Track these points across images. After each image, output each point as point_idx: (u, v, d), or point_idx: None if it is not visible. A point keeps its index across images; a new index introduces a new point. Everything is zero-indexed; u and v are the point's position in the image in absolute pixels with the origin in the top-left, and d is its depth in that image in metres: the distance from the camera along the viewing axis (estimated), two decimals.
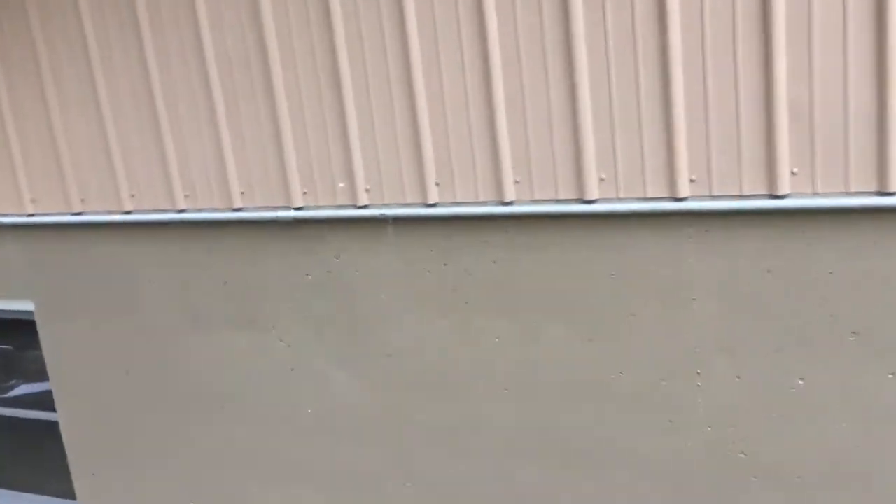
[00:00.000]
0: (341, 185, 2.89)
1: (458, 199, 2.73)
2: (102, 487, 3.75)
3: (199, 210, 3.16)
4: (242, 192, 3.07)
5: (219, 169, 3.07)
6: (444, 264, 2.80)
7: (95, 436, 3.69)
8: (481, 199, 2.69)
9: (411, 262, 2.85)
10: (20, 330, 4.08)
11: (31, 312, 3.70)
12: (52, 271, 3.55)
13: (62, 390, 3.72)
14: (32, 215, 3.49)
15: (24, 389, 4.33)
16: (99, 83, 3.19)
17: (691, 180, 2.40)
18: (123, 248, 3.37)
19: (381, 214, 2.84)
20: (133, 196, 3.27)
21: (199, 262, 3.25)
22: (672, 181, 2.41)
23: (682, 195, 2.41)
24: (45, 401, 3.98)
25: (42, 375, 4.25)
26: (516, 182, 2.62)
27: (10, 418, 4.05)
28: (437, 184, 2.74)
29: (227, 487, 3.44)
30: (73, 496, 3.91)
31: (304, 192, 2.96)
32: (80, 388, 3.66)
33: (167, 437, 3.52)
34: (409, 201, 2.80)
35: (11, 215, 3.52)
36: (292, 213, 2.98)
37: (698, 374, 2.54)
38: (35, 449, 4.17)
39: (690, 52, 2.31)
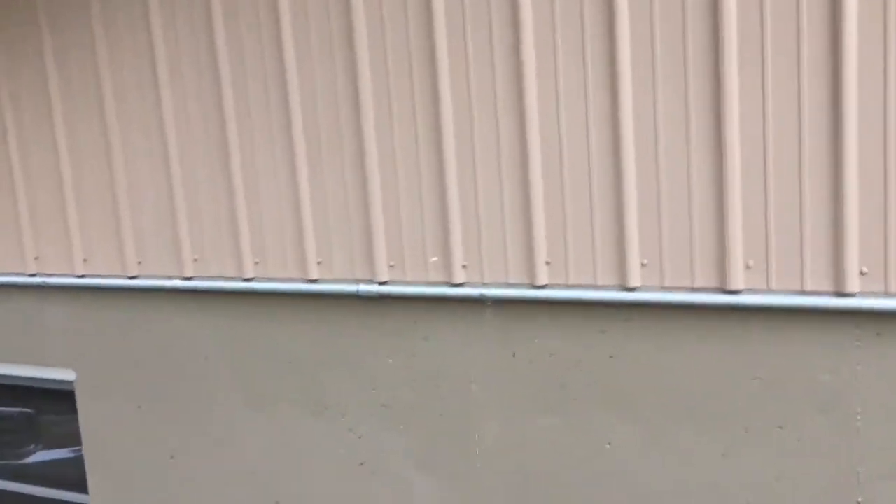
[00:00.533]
0: (434, 259, 2.57)
1: (572, 282, 2.39)
2: None
3: (269, 279, 2.84)
4: (319, 262, 2.75)
5: (295, 235, 2.77)
6: (551, 355, 2.45)
7: None
8: (600, 282, 2.35)
9: (512, 350, 2.50)
10: (47, 393, 3.78)
11: (70, 382, 3.38)
12: (98, 339, 3.24)
13: (98, 469, 3.36)
14: (83, 276, 3.20)
15: (41, 456, 4.01)
16: (170, 138, 2.93)
17: (862, 273, 2.05)
18: (179, 318, 3.06)
19: (480, 295, 2.50)
20: (196, 261, 2.97)
21: (262, 336, 2.92)
22: (838, 273, 2.06)
23: (849, 290, 2.05)
24: (64, 470, 3.72)
25: (61, 442, 3.94)
26: (643, 265, 2.28)
27: (39, 498, 3.68)
28: (547, 263, 2.41)
29: None
30: None
31: (391, 266, 2.64)
32: (118, 469, 3.31)
33: None
34: (512, 281, 2.47)
35: (60, 276, 3.23)
36: (376, 288, 2.65)
37: (859, 502, 2.14)
38: None
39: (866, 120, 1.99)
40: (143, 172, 3.02)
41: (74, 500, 3.58)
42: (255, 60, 2.74)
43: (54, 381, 3.46)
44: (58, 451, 4.06)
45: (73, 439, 3.78)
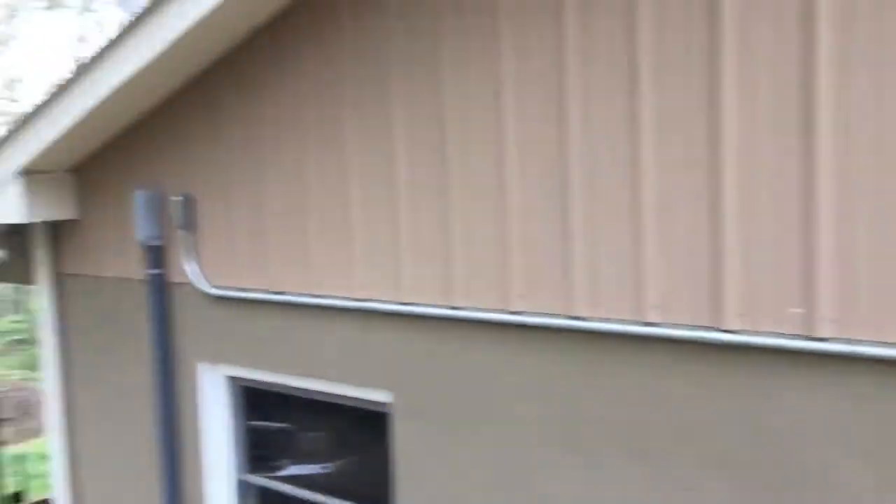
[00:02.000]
0: (797, 310, 2.39)
1: None
2: None
3: (602, 319, 2.79)
4: (657, 306, 2.66)
5: (633, 272, 2.70)
6: None
7: None
8: None
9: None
10: (306, 409, 3.97)
11: (385, 405, 3.52)
12: (417, 365, 3.35)
13: (407, 489, 3.46)
14: (407, 304, 3.32)
15: (294, 471, 4.27)
16: (507, 172, 2.98)
17: None
18: (502, 352, 3.08)
19: (852, 352, 2.29)
20: (522, 296, 2.98)
21: (587, 376, 2.87)
22: None
23: None
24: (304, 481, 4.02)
25: (312, 458, 4.18)
26: None
27: None
28: None
29: None
30: None
31: (741, 314, 2.49)
32: (426, 492, 3.38)
33: None
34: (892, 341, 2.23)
35: (387, 302, 3.38)
36: (724, 337, 2.51)
37: None
38: None
39: None
40: (476, 205, 3.09)
41: None
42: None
43: (372, 402, 3.62)
44: (308, 466, 4.27)
45: (325, 455, 4.07)
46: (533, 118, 2.89)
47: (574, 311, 2.85)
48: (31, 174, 4.38)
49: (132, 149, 4.39)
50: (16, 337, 26.59)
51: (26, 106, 4.39)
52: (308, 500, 4.03)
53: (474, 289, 3.12)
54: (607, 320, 2.77)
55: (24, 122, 4.16)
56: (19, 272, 5.33)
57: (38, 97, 4.07)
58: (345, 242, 3.52)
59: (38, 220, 4.60)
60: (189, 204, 4.11)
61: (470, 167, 3.09)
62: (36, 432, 18.54)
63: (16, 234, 5.03)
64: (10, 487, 6.35)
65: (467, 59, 3.03)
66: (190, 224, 4.12)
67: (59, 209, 4.66)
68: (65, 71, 4.05)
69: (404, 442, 3.44)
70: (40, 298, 5.11)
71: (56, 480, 5.20)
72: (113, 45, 3.67)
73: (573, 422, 2.92)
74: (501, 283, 3.03)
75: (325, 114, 3.53)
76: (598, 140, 2.74)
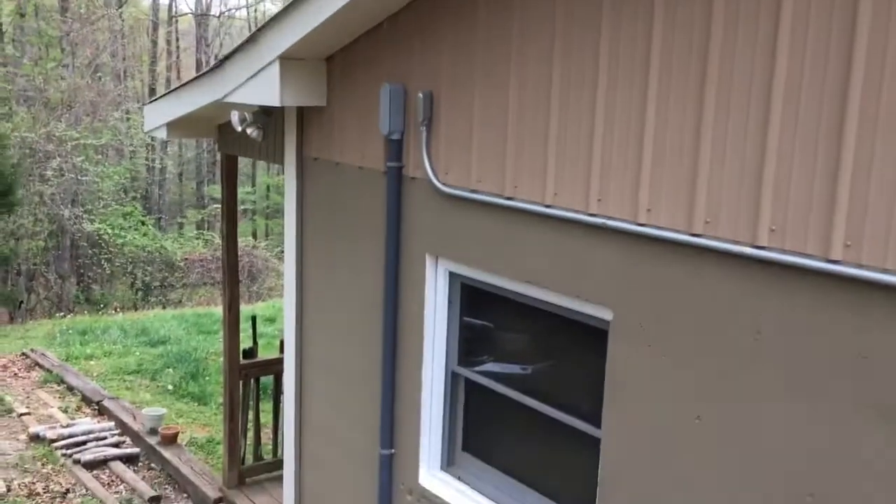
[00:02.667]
0: None
1: None
2: None
3: (863, 266, 2.59)
4: None
5: None
6: None
7: (637, 473, 3.39)
8: None
9: None
10: (522, 314, 4.02)
11: (606, 321, 3.52)
12: (644, 287, 3.30)
13: (615, 409, 3.48)
14: (644, 225, 3.25)
15: (491, 367, 4.39)
16: (774, 104, 2.78)
17: None
18: (741, 286, 2.96)
19: None
20: (773, 231, 2.82)
21: (838, 325, 2.70)
22: None
23: None
24: (510, 380, 4.18)
25: (521, 361, 4.29)
26: None
27: (551, 419, 3.96)
28: None
29: None
30: None
31: None
32: (636, 415, 3.39)
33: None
34: None
35: (620, 220, 3.33)
36: None
37: None
38: (564, 454, 4.07)
39: None
40: (731, 131, 2.93)
41: (583, 428, 3.77)
42: None
43: (590, 316, 3.63)
44: (505, 365, 4.36)
45: (525, 358, 4.20)
46: None
47: (832, 254, 2.66)
48: (287, 60, 4.64)
49: (381, 43, 4.53)
50: (244, 207, 29.03)
51: None
52: (515, 399, 4.17)
53: (718, 218, 2.99)
54: (871, 268, 2.57)
55: (288, 10, 4.38)
56: (269, 151, 5.75)
57: None
58: (583, 156, 3.47)
59: (290, 104, 4.91)
60: (431, 101, 4.21)
61: (731, 86, 2.92)
62: (260, 295, 20.40)
63: (268, 116, 5.41)
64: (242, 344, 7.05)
65: None
66: (430, 121, 4.23)
67: (309, 95, 4.93)
68: None
69: (620, 361, 3.44)
70: (286, 178, 5.51)
71: (287, 345, 5.71)
72: None
73: (802, 365, 2.78)
74: (750, 214, 2.88)
75: (575, 23, 3.44)
76: None
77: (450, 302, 4.47)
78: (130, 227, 21.39)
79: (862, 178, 2.58)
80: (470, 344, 4.52)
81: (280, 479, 6.33)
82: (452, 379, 4.54)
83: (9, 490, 7.38)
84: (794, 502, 2.85)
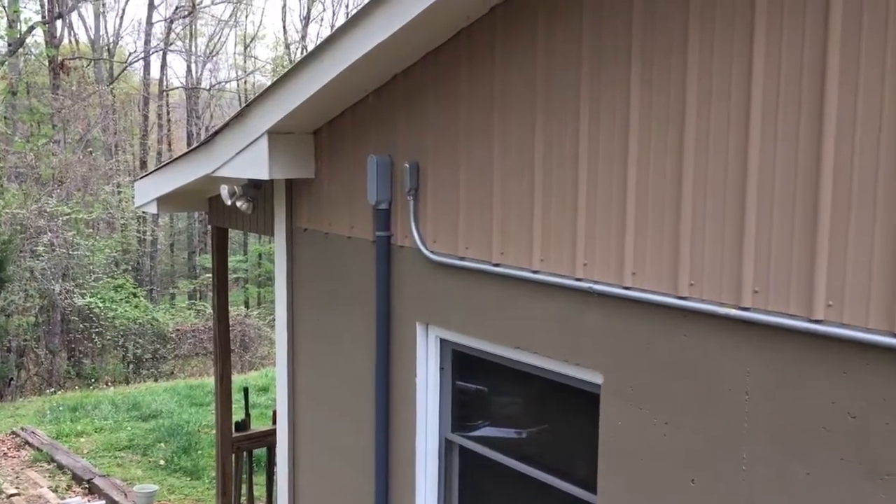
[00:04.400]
0: None
1: None
2: None
3: (843, 325, 2.63)
4: None
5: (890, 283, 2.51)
6: None
7: None
8: None
9: None
10: (513, 378, 4.04)
11: (596, 385, 3.53)
12: (633, 350, 3.32)
13: (611, 470, 3.46)
14: (629, 288, 3.29)
15: (487, 431, 4.37)
16: (750, 160, 2.85)
17: None
18: (726, 347, 2.98)
19: None
20: (756, 293, 2.86)
21: (820, 386, 2.72)
22: None
23: None
24: (503, 446, 4.15)
25: (515, 426, 4.28)
26: None
27: (547, 486, 3.93)
28: None
29: None
30: None
31: None
32: (631, 475, 3.37)
33: None
34: None
35: (608, 284, 3.37)
36: None
37: None
38: None
39: None
40: (710, 196, 2.99)
41: (579, 494, 3.74)
42: None
43: (581, 380, 3.64)
44: (500, 429, 4.34)
45: (520, 422, 4.18)
46: None
47: (814, 314, 2.70)
48: (275, 134, 4.73)
49: (367, 115, 4.63)
50: (236, 276, 29.04)
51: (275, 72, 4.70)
52: (510, 466, 4.14)
53: (702, 280, 3.03)
54: (852, 327, 2.60)
55: (275, 87, 4.49)
56: (259, 223, 5.81)
57: (289, 64, 4.37)
58: (568, 221, 3.53)
59: (278, 177, 4.98)
60: (418, 171, 4.29)
61: (708, 151, 2.99)
62: (252, 364, 20.23)
63: (257, 189, 5.48)
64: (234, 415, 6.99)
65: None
66: (417, 190, 4.30)
67: (297, 168, 5.01)
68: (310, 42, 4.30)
69: (613, 425, 3.44)
70: (276, 249, 5.55)
71: (280, 417, 5.67)
72: (354, 23, 3.87)
73: (795, 427, 2.78)
74: (733, 276, 2.93)
75: (555, 92, 3.53)
76: None
77: (441, 369, 4.47)
78: (122, 299, 21.32)
79: (840, 239, 2.63)
80: (463, 408, 4.50)
81: None
82: (446, 447, 4.51)
83: None
84: None
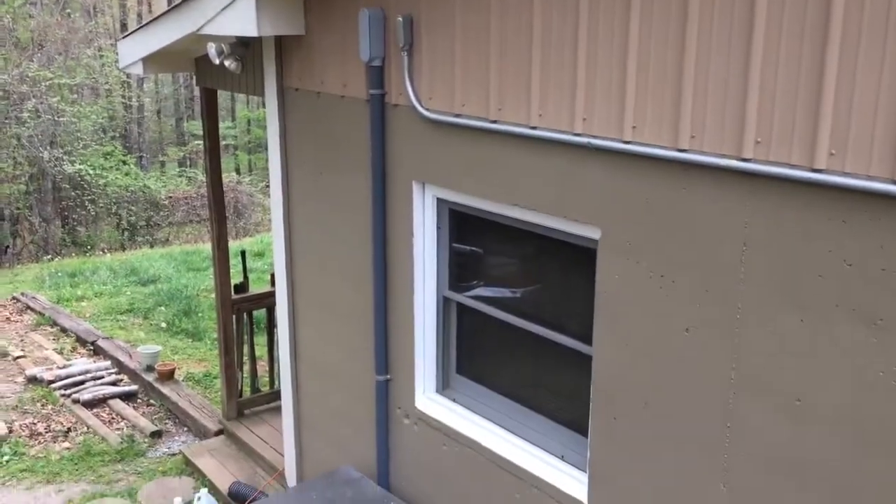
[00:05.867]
0: None
1: None
2: (620, 436, 3.56)
3: (845, 174, 2.61)
4: None
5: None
6: None
7: (629, 386, 3.47)
8: None
9: None
10: (509, 236, 4.06)
11: (594, 240, 3.55)
12: (631, 204, 3.32)
13: (606, 324, 3.54)
14: (629, 143, 3.25)
15: (482, 292, 4.45)
16: (757, 10, 2.75)
17: None
18: (726, 199, 2.98)
19: None
20: (758, 143, 2.83)
21: (825, 237, 2.73)
22: None
23: None
24: (500, 304, 4.17)
25: (500, 282, 4.36)
26: None
27: (543, 340, 4.03)
28: None
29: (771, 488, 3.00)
30: (585, 431, 3.80)
31: None
32: (625, 329, 3.45)
33: (707, 419, 3.16)
34: None
35: (607, 139, 3.33)
36: None
37: None
38: (557, 372, 4.15)
39: None
40: (715, 44, 2.91)
41: (575, 346, 3.84)
42: None
43: (579, 236, 3.66)
44: (495, 289, 4.42)
45: (516, 282, 4.23)
46: None
47: (816, 163, 2.68)
48: None
49: None
50: (225, 143, 28.69)
51: None
52: (507, 321, 4.23)
53: (703, 132, 2.99)
54: (854, 175, 2.59)
55: None
56: (248, 83, 5.67)
57: None
58: (567, 75, 3.44)
59: (267, 34, 4.81)
60: (412, 25, 4.14)
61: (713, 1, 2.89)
62: (247, 231, 20.34)
63: (246, 47, 5.31)
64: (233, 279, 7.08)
65: None
66: (412, 46, 4.17)
67: (286, 24, 4.84)
68: None
69: (609, 279, 3.48)
70: (267, 110, 5.44)
71: (278, 278, 5.74)
72: None
73: (791, 276, 2.82)
74: (735, 127, 2.89)
75: None
76: None
77: (438, 228, 4.49)
78: (112, 167, 21.16)
79: (846, 86, 2.58)
80: (460, 270, 4.55)
81: (278, 409, 6.44)
82: (444, 304, 4.59)
83: (10, 431, 7.49)
84: (784, 407, 2.93)
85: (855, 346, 2.70)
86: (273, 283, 6.15)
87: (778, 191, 2.82)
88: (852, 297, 2.68)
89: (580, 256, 3.70)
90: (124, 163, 22.03)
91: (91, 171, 19.84)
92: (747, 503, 3.12)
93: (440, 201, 4.43)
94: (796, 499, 2.95)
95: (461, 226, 4.47)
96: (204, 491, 5.69)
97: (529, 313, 4.15)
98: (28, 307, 11.10)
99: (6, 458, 7.05)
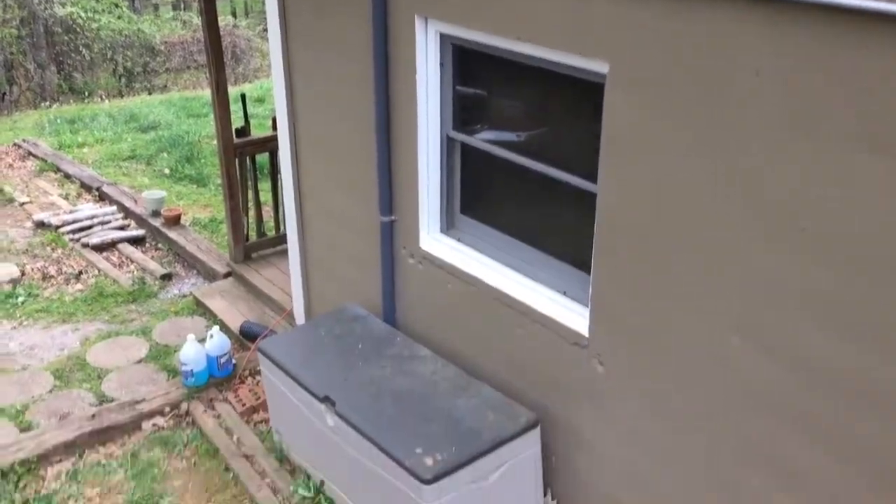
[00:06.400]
0: None
1: None
2: (623, 271, 3.61)
3: None
4: None
5: None
6: None
7: (633, 222, 3.49)
8: None
9: None
10: (515, 74, 3.98)
11: (602, 75, 3.47)
12: (642, 37, 3.21)
13: (613, 163, 3.52)
14: None
15: (486, 135, 4.41)
16: None
17: None
18: (736, 25, 2.88)
19: None
20: None
21: (831, 60, 2.66)
22: None
23: None
24: (505, 145, 4.14)
25: (504, 125, 4.31)
26: None
27: (548, 179, 4.01)
28: None
29: (779, 322, 3.08)
30: (587, 269, 3.86)
31: None
32: (634, 168, 3.43)
33: (714, 255, 3.19)
34: None
35: None
36: None
37: None
38: (561, 211, 4.17)
39: None
40: None
41: (580, 184, 3.83)
42: None
43: (586, 70, 3.57)
44: (502, 133, 4.37)
45: (520, 124, 4.18)
46: None
47: None
48: None
49: None
50: None
51: None
52: (511, 160, 4.21)
53: None
54: None
55: None
56: None
57: None
58: None
59: None
60: None
61: None
62: (246, 76, 19.94)
63: None
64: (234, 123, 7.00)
65: None
66: None
67: None
68: None
69: (617, 115, 3.42)
70: None
71: (280, 122, 5.67)
72: None
73: (805, 103, 2.77)
74: None
75: None
76: None
77: (441, 65, 4.38)
78: (104, 9, 20.47)
79: None
80: (464, 113, 4.48)
81: (284, 252, 6.54)
82: (448, 144, 4.55)
83: (23, 274, 7.64)
84: (788, 236, 2.95)
85: (865, 174, 2.68)
86: (275, 128, 6.08)
87: (793, 15, 2.71)
88: (866, 125, 2.64)
89: (587, 93, 3.62)
90: (116, 5, 21.30)
91: (83, 14, 19.23)
92: (750, 335, 3.20)
93: (443, 37, 4.30)
94: (803, 332, 3.03)
95: (465, 66, 4.36)
96: (216, 329, 5.86)
97: (535, 153, 4.11)
98: (30, 154, 11.05)
99: (21, 299, 7.23)
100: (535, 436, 4.04)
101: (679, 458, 3.62)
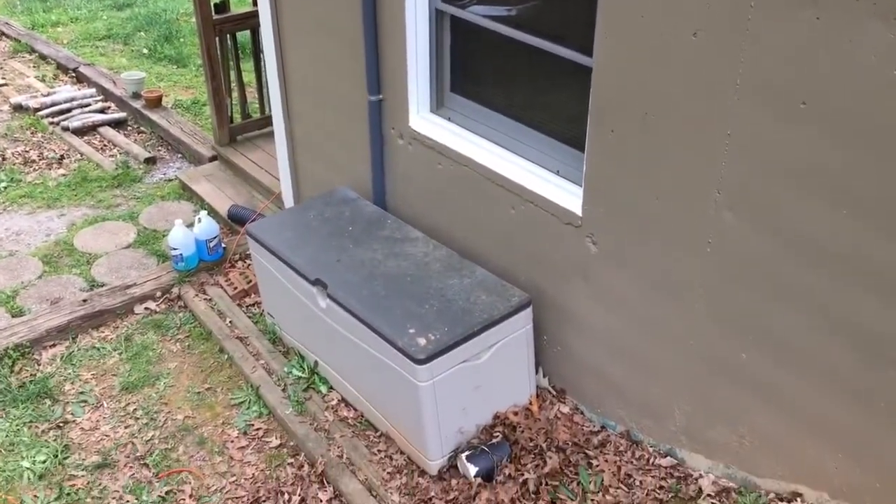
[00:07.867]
0: None
1: None
2: (617, 149, 3.53)
3: None
4: None
5: None
6: None
7: (629, 97, 3.38)
8: None
9: None
10: None
11: None
12: None
13: (608, 34, 3.38)
14: None
15: (476, 9, 4.20)
16: None
17: None
18: None
19: None
20: None
21: None
22: None
23: None
24: (496, 18, 3.89)
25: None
26: None
27: (541, 54, 3.86)
28: None
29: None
30: (581, 147, 3.77)
31: None
32: (630, 39, 3.29)
33: (709, 129, 3.10)
34: None
35: None
36: None
37: None
38: (555, 87, 4.04)
39: None
40: None
41: (574, 58, 3.70)
42: None
43: None
44: (494, 7, 4.19)
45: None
46: None
47: None
48: None
49: None
50: None
51: None
52: (503, 34, 4.04)
53: None
54: None
55: None
56: None
57: None
58: None
59: None
60: None
61: None
62: None
63: None
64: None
65: None
66: None
67: None
68: None
69: None
70: None
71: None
72: None
73: None
74: None
75: None
76: None
77: None
78: None
79: None
80: None
81: (270, 135, 6.39)
82: (437, 18, 4.36)
83: (4, 159, 7.48)
84: (789, 111, 2.86)
85: (865, 42, 2.57)
86: (255, 3, 5.81)
87: None
88: None
89: None
90: None
91: None
92: (742, 209, 3.17)
93: None
94: (795, 206, 2.99)
95: None
96: (203, 213, 5.78)
97: (527, 26, 3.95)
98: (3, 34, 10.64)
99: (3, 184, 7.10)
100: (527, 315, 4.05)
101: (667, 333, 3.65)
